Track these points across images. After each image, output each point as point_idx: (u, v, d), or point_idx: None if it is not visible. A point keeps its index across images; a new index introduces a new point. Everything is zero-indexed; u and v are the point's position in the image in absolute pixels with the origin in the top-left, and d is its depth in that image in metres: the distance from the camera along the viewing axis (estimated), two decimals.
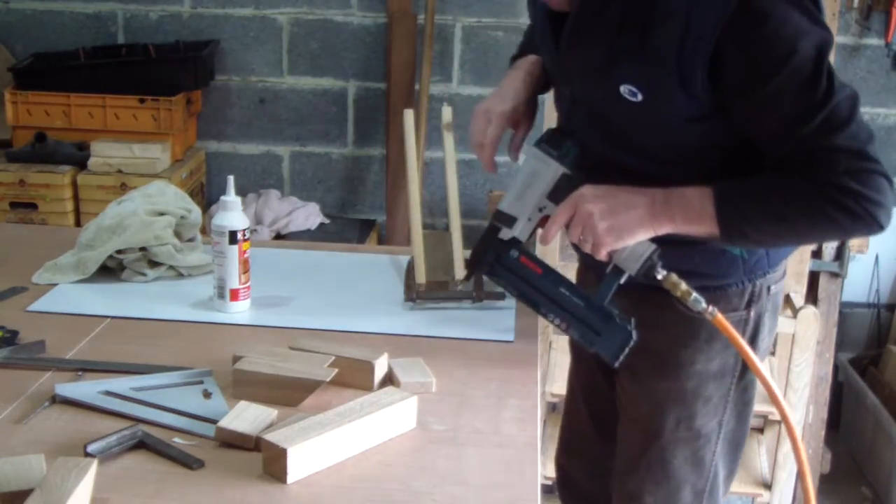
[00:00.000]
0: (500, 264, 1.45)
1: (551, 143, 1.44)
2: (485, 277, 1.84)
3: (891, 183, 1.31)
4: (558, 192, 1.42)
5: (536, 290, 1.44)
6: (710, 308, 1.40)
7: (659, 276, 1.40)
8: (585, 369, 1.82)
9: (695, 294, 1.40)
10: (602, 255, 1.39)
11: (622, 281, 1.42)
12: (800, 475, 1.51)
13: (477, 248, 1.47)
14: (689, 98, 1.34)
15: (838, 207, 1.30)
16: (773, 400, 1.47)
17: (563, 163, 1.43)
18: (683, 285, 1.40)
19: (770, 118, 1.32)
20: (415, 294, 1.80)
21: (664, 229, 1.38)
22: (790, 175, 1.33)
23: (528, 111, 1.63)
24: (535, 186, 1.43)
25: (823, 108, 1.28)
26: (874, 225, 1.32)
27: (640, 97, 1.37)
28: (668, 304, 1.48)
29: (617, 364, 1.43)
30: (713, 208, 1.34)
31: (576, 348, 1.85)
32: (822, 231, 1.39)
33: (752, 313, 1.54)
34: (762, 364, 1.58)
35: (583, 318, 1.42)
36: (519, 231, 1.45)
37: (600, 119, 1.46)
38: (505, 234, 1.45)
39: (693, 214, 1.36)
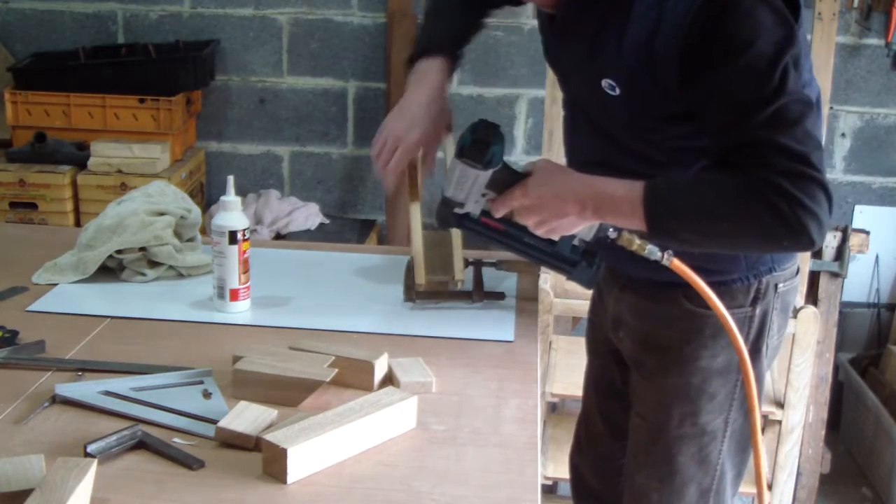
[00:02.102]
0: (463, 225, 1.48)
1: (472, 154, 1.40)
2: (485, 276, 1.85)
3: (829, 198, 1.28)
4: (495, 184, 1.43)
5: (504, 243, 1.49)
6: (666, 255, 1.40)
7: (612, 238, 1.42)
8: (600, 366, 1.83)
9: (649, 246, 1.40)
10: None
11: (576, 242, 1.45)
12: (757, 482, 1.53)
13: (437, 213, 1.49)
14: (664, 94, 1.36)
15: (768, 206, 1.27)
16: (747, 389, 1.46)
17: (488, 167, 1.41)
18: (636, 240, 1.40)
19: (718, 105, 1.32)
20: (414, 294, 1.79)
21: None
22: (727, 171, 1.32)
23: (435, 131, 1.65)
24: (470, 186, 1.43)
25: (770, 104, 1.27)
26: (803, 235, 1.28)
27: (617, 91, 1.40)
28: (673, 301, 1.50)
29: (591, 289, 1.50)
30: (641, 207, 1.34)
31: (592, 345, 1.85)
32: (748, 232, 1.33)
33: (758, 310, 1.55)
34: (766, 358, 1.60)
35: (550, 261, 1.48)
36: (470, 209, 1.46)
37: (591, 118, 1.49)
38: (458, 209, 1.47)
39: (623, 219, 1.37)
